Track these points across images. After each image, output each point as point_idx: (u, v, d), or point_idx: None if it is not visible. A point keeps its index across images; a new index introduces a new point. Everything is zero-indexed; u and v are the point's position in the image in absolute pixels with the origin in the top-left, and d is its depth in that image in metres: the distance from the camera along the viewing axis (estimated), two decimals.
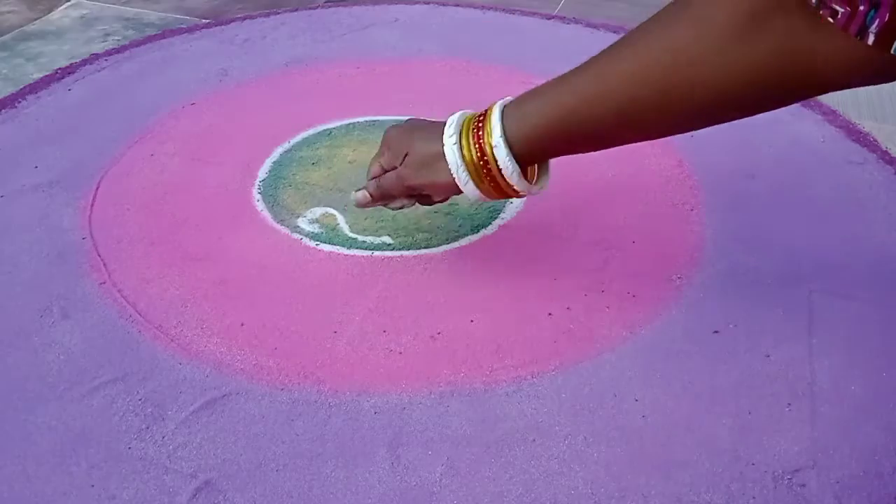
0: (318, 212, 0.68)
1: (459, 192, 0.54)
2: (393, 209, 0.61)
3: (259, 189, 0.71)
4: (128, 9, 1.08)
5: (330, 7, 1.08)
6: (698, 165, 0.74)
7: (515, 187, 0.52)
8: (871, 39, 0.36)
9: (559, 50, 0.95)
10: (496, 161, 0.51)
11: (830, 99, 0.86)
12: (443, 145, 0.52)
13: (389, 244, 0.64)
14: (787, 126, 0.81)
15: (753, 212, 0.68)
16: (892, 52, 0.35)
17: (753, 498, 0.45)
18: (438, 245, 0.64)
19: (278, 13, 1.06)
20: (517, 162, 0.51)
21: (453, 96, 0.85)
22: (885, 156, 0.76)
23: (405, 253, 0.63)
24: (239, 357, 0.54)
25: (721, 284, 0.60)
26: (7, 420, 0.49)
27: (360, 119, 0.81)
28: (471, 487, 0.46)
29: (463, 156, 0.52)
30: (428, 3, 1.08)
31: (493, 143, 0.50)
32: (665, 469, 0.47)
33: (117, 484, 0.46)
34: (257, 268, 0.62)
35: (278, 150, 0.76)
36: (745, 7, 0.40)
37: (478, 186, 0.53)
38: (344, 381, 0.52)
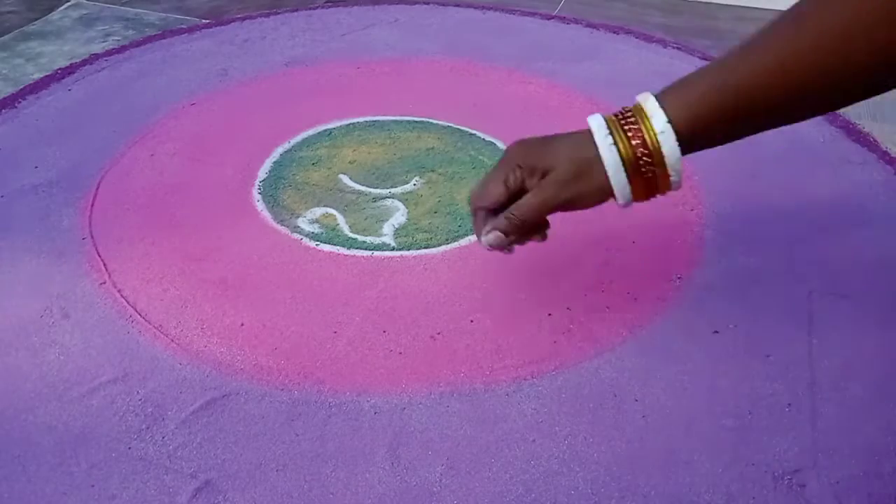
0: (318, 212, 0.68)
1: (606, 199, 0.52)
2: (519, 243, 0.55)
3: (259, 189, 0.71)
4: (128, 9, 1.08)
5: (330, 7, 1.08)
6: (698, 165, 0.74)
7: (672, 178, 0.50)
8: None
9: (559, 50, 0.95)
10: (660, 150, 0.49)
11: None
12: (596, 148, 0.50)
13: (389, 244, 0.64)
14: (787, 126, 0.81)
15: (753, 212, 0.68)
16: None
17: (753, 498, 0.45)
18: (438, 245, 0.64)
19: (278, 13, 1.06)
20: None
21: (453, 96, 0.85)
22: (885, 156, 0.76)
23: (405, 253, 0.63)
24: (239, 357, 0.54)
25: (721, 284, 0.60)
26: (7, 420, 0.49)
27: (360, 119, 0.81)
28: (471, 487, 0.46)
29: (620, 154, 0.49)
30: (428, 3, 1.09)
31: (659, 130, 0.48)
32: (665, 469, 0.47)
33: (117, 484, 0.46)
34: (257, 268, 0.62)
35: (278, 150, 0.76)
36: None
37: (630, 183, 0.50)
38: (344, 381, 0.52)
